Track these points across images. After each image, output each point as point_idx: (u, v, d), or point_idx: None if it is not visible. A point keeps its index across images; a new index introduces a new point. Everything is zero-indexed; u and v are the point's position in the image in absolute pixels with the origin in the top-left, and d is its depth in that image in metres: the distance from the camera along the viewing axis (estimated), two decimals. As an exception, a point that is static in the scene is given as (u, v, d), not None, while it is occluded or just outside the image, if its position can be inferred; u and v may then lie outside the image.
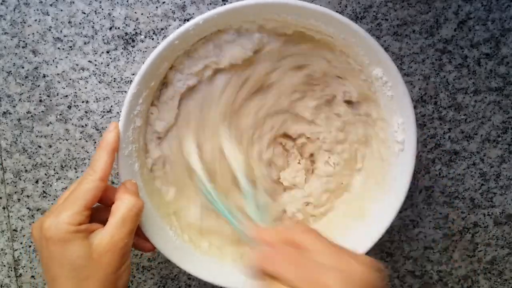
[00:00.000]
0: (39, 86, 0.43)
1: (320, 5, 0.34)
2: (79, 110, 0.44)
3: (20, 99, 0.43)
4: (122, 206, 0.33)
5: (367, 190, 0.42)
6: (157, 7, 0.41)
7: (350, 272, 0.27)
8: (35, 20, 0.42)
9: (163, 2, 0.41)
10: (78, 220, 0.32)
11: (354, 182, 0.44)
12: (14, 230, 0.46)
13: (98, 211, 0.35)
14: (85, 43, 0.42)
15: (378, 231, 0.38)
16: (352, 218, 0.42)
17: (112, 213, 0.33)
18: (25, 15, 0.41)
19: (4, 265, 0.47)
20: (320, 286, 0.26)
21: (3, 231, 0.46)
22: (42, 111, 0.44)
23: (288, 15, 0.35)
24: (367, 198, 0.41)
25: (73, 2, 0.41)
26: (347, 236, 0.40)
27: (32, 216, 0.46)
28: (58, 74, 0.43)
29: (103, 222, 0.33)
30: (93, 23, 0.42)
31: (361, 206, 0.41)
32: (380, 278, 0.28)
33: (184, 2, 0.41)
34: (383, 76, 0.36)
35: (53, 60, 0.42)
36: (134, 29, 0.42)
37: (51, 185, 0.45)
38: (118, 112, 0.44)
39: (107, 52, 0.42)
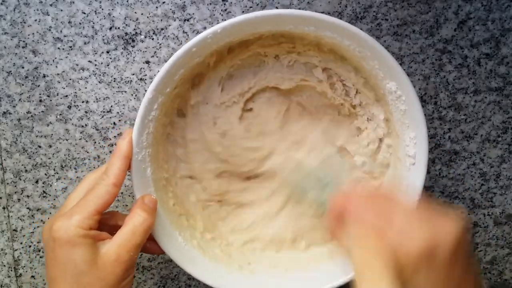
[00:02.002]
0: (39, 86, 0.43)
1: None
2: (79, 110, 0.44)
3: (20, 99, 0.43)
4: (134, 219, 0.34)
5: None
6: (157, 7, 0.41)
7: (435, 238, 0.28)
8: (35, 20, 0.42)
9: (163, 2, 0.41)
10: (88, 224, 0.32)
11: None
12: (14, 230, 0.46)
13: (110, 220, 0.36)
14: (85, 43, 0.42)
15: None
16: None
17: (124, 224, 0.34)
18: (25, 15, 0.41)
19: (4, 265, 0.47)
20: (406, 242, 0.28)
21: (3, 231, 0.46)
22: (42, 111, 0.44)
23: (305, 27, 0.35)
24: None
25: (73, 2, 0.41)
26: None
27: (32, 216, 0.46)
28: (58, 74, 0.43)
29: (113, 233, 0.34)
30: (93, 23, 0.42)
31: None
32: (465, 231, 0.29)
33: (184, 2, 0.41)
34: (397, 90, 0.36)
35: (53, 60, 0.42)
36: (134, 29, 0.42)
37: (51, 185, 0.45)
38: (118, 112, 0.44)
39: (107, 52, 0.42)
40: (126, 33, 0.42)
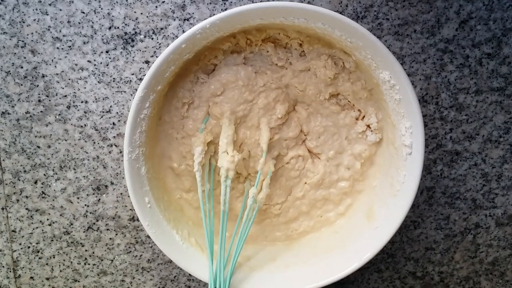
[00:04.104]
0: (38, 86, 0.43)
1: (321, 5, 0.34)
2: (78, 110, 0.43)
3: (19, 99, 0.43)
4: None
5: (374, 193, 0.42)
6: (156, 7, 0.41)
7: None
8: (34, 19, 0.41)
9: (163, 2, 0.41)
10: None
11: (363, 186, 0.44)
12: (13, 231, 0.46)
13: None
14: (84, 42, 0.42)
15: (386, 235, 0.38)
16: (359, 221, 0.41)
17: None
18: (24, 14, 0.41)
19: (3, 266, 0.47)
20: None
21: (1, 232, 0.46)
22: (41, 111, 0.43)
23: (296, 18, 0.35)
24: (375, 201, 0.41)
25: (72, 2, 0.41)
26: (354, 239, 0.40)
27: (31, 217, 0.46)
28: (57, 74, 0.43)
29: None
30: (92, 22, 0.41)
31: (369, 210, 0.41)
32: None
33: (184, 1, 0.41)
34: (391, 79, 0.36)
35: (52, 60, 0.42)
36: (134, 29, 0.42)
37: (50, 186, 0.45)
38: (117, 112, 0.43)
39: (107, 52, 0.42)
40: (126, 33, 0.42)
